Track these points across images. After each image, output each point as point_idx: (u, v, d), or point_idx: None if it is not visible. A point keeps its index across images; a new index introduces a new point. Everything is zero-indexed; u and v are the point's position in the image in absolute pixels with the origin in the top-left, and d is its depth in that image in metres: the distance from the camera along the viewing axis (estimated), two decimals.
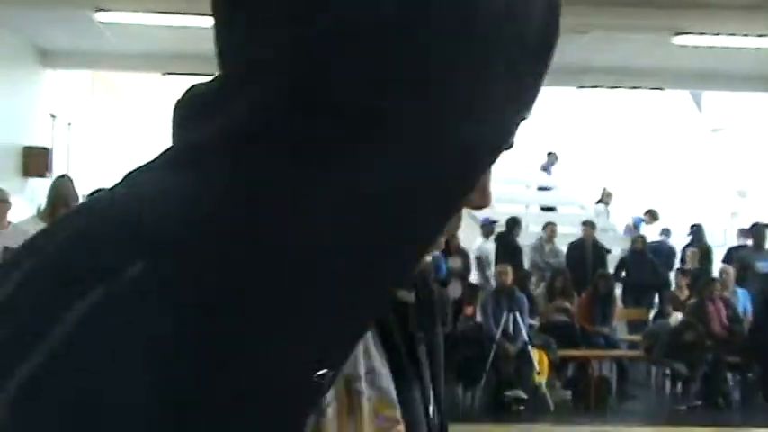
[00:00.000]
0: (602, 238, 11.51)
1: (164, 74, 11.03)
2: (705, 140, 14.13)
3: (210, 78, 0.54)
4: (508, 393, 7.91)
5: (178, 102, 0.57)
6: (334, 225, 0.48)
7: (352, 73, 0.46)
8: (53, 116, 10.90)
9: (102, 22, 8.67)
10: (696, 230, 11.73)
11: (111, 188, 0.55)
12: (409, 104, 0.47)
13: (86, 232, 0.50)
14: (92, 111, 12.47)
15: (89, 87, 12.44)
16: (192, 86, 0.56)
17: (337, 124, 0.47)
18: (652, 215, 12.23)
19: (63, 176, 6.23)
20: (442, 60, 0.47)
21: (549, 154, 14.09)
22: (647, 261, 11.04)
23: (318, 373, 0.51)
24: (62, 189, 5.51)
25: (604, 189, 13.39)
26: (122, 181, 0.55)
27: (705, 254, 11.15)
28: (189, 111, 0.55)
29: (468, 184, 0.53)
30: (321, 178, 0.47)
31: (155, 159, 0.55)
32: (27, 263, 0.49)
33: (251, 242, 0.47)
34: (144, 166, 0.55)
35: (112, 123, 12.61)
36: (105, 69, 11.79)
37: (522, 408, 7.87)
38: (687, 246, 11.50)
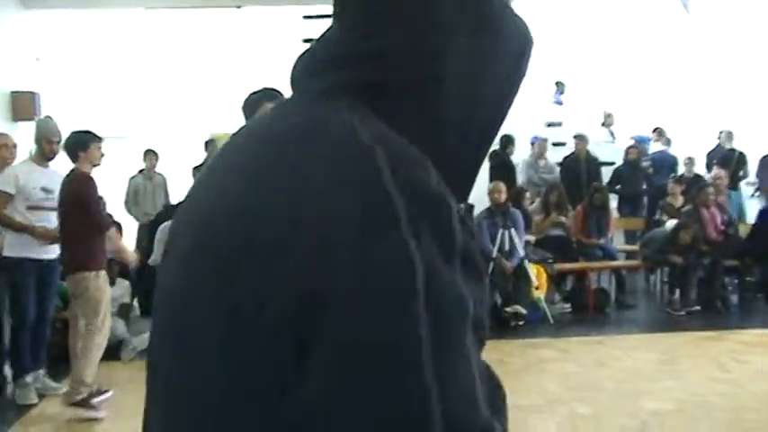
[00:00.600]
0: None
1: (146, 8, 10.86)
2: (694, 41, 13.92)
3: (324, 42, 0.85)
4: (507, 309, 8.04)
5: (300, 58, 0.86)
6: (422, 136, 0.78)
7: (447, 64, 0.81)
8: (38, 59, 10.78)
9: None
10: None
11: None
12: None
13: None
14: (76, 51, 12.31)
15: (72, 27, 12.26)
16: (310, 48, 0.86)
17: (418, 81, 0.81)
18: (659, 133, 12.09)
19: (45, 118, 6.59)
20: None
21: (558, 83, 13.73)
22: (640, 171, 11.07)
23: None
24: (44, 128, 5.88)
25: (605, 112, 13.23)
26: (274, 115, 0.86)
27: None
28: (313, 66, 0.84)
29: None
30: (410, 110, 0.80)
31: (293, 100, 0.86)
32: None
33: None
34: (288, 102, 0.87)
35: (97, 62, 12.49)
36: (86, 7, 11.61)
37: (521, 323, 8.01)
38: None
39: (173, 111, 11.94)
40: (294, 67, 0.87)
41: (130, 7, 11.25)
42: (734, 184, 10.78)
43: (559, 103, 13.93)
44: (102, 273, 5.36)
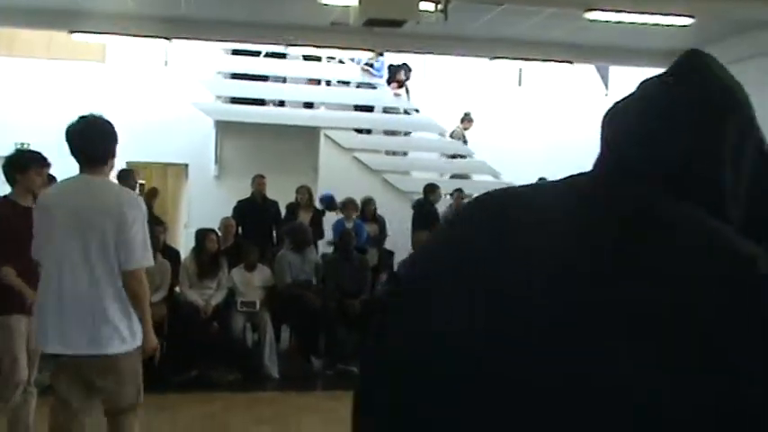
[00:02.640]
0: None
1: (71, 32, 10.62)
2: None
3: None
4: None
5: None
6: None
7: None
8: None
9: None
10: None
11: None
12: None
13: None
14: None
15: None
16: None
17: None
18: None
19: None
20: None
21: (465, 115, 13.70)
22: None
23: None
24: None
25: None
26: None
27: None
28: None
29: None
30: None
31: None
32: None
33: None
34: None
35: (11, 83, 12.09)
36: (6, 26, 11.29)
37: None
38: None
39: None
40: None
41: (55, 29, 11.02)
42: None
43: None
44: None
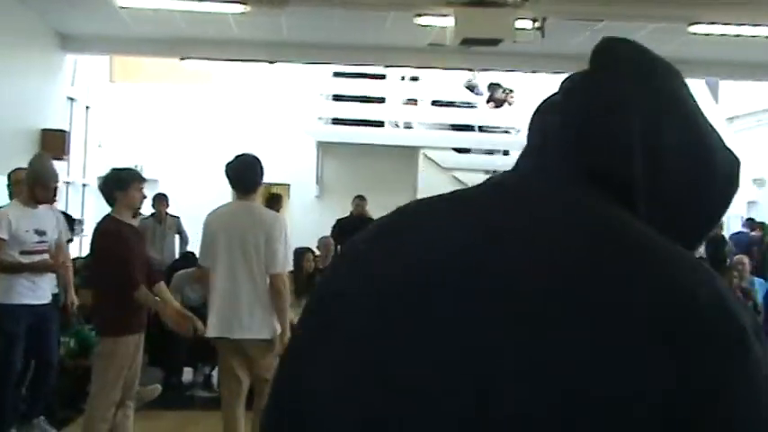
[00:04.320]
0: None
1: (181, 59, 11.13)
2: (721, 129, 14.10)
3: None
4: None
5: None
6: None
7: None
8: (71, 99, 11.05)
9: (122, 7, 8.77)
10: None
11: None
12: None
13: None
14: (110, 95, 12.59)
15: (108, 71, 12.57)
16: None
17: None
18: None
19: (39, 155, 5.90)
20: None
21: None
22: None
23: None
24: (39, 171, 5.35)
25: None
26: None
27: (719, 243, 11.15)
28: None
29: None
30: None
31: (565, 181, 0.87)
32: None
33: None
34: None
35: (130, 107, 12.73)
36: (123, 54, 11.89)
37: None
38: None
39: (199, 157, 12.13)
40: None
41: (166, 56, 11.56)
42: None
43: None
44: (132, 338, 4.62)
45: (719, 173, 0.92)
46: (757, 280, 9.76)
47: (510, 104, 12.74)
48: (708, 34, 9.24)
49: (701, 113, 0.93)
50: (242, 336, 4.51)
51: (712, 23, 8.94)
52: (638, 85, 0.91)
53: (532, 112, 0.96)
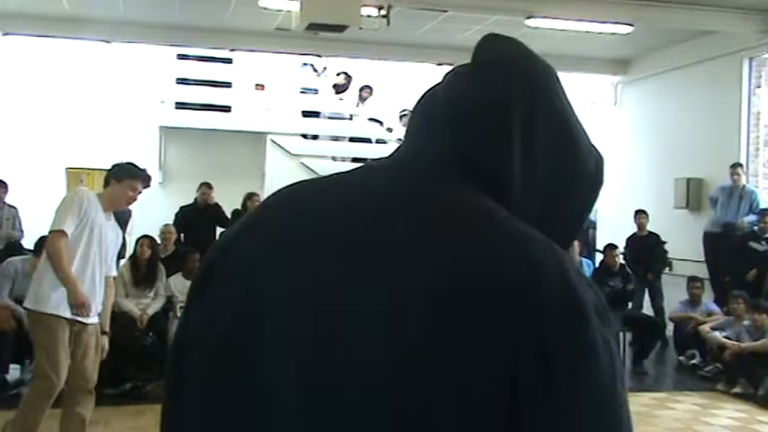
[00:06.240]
0: None
1: (4, 34, 10.40)
2: None
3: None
4: None
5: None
6: None
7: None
8: None
9: None
10: None
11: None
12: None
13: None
14: None
15: None
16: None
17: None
18: None
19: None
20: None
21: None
22: None
23: None
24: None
25: None
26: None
27: None
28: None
29: None
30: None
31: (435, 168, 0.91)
32: None
33: None
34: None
35: None
36: None
37: None
38: None
39: (30, 142, 11.42)
40: None
41: None
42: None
43: None
44: None
45: (588, 170, 0.96)
46: (585, 260, 10.33)
47: (346, 90, 12.86)
48: (539, 28, 9.60)
49: (573, 112, 0.96)
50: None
51: (545, 17, 9.30)
52: (518, 84, 0.93)
53: (416, 101, 0.98)
